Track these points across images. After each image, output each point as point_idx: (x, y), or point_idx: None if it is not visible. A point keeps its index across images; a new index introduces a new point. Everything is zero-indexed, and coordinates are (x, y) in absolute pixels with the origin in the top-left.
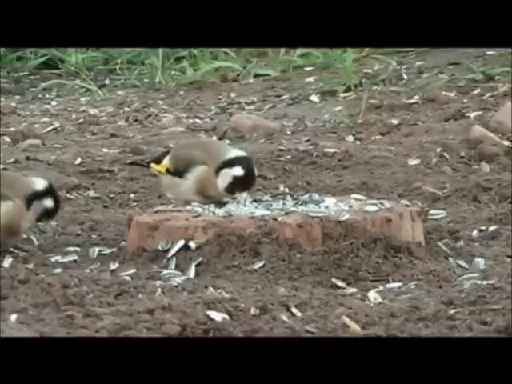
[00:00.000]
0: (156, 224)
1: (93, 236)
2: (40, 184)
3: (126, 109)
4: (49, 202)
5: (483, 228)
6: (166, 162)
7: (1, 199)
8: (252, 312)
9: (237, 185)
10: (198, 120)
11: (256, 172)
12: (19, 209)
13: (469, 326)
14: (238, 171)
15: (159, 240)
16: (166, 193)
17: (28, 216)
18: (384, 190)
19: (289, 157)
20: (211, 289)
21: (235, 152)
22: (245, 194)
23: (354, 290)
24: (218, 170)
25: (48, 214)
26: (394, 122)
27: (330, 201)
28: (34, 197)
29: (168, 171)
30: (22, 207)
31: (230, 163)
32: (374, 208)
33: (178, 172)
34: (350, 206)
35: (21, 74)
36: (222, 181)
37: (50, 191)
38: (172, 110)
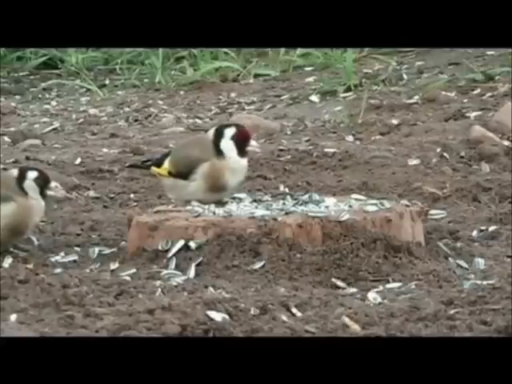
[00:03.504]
0: (156, 224)
1: (93, 236)
2: (14, 171)
3: (126, 109)
4: (32, 174)
5: (483, 228)
6: (166, 164)
7: (3, 201)
8: (252, 312)
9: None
10: (198, 120)
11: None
12: (20, 208)
13: (469, 326)
14: (232, 130)
15: (159, 240)
16: (169, 195)
17: (33, 203)
18: (384, 190)
19: (289, 157)
20: (211, 289)
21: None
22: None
23: (354, 290)
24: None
25: (42, 182)
26: (394, 122)
27: (330, 201)
28: (20, 181)
29: (170, 174)
30: (23, 205)
31: (222, 129)
32: (373, 208)
33: (182, 174)
34: (350, 206)
35: (21, 74)
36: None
37: (23, 168)
38: (172, 109)
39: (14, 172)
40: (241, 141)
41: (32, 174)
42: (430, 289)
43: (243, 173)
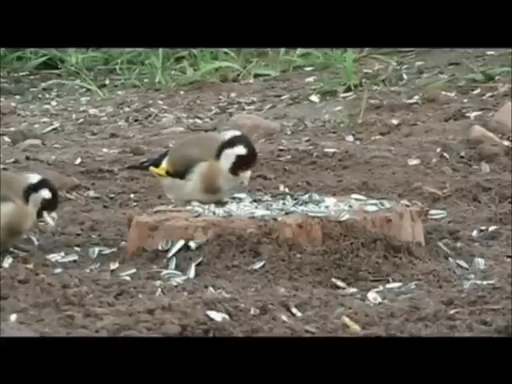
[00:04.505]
0: (156, 224)
1: (93, 236)
2: (34, 177)
3: (126, 109)
4: (46, 193)
5: (483, 228)
6: (164, 164)
7: (2, 200)
8: (252, 312)
9: (241, 163)
10: (198, 120)
11: (256, 149)
12: (19, 209)
13: (469, 326)
14: (241, 150)
15: (159, 240)
16: (167, 195)
17: (29, 212)
18: (384, 190)
19: (289, 157)
20: (211, 289)
21: (231, 133)
22: (249, 173)
23: (354, 290)
24: (218, 155)
25: (48, 206)
26: (394, 122)
27: (330, 201)
28: (30, 190)
29: (168, 173)
30: (22, 207)
31: (231, 143)
32: (373, 208)
33: (179, 173)
34: (350, 206)
35: (21, 74)
36: (226, 162)
37: (44, 183)
38: (172, 109)
39: (33, 178)
40: (242, 164)
41: (45, 194)
42: (430, 289)
43: (239, 182)
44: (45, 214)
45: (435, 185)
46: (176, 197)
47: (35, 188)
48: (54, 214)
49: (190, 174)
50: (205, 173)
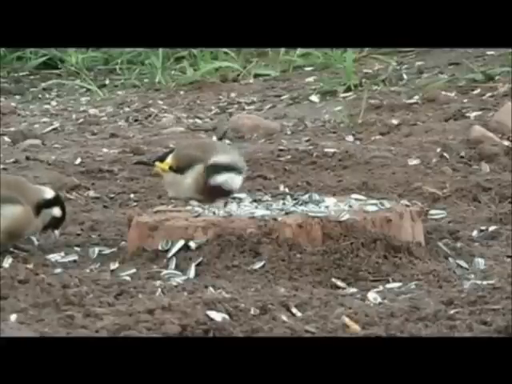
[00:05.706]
0: (156, 224)
1: (93, 236)
2: (49, 193)
3: (126, 109)
4: (57, 211)
5: (483, 228)
6: (169, 159)
7: (11, 202)
8: (252, 312)
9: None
10: (198, 120)
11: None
12: (27, 214)
13: (469, 326)
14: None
15: (159, 240)
16: (167, 190)
17: (35, 223)
18: (384, 190)
19: (289, 157)
20: (211, 289)
21: (224, 151)
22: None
23: (354, 290)
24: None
25: (55, 223)
26: (394, 122)
27: (330, 201)
28: (44, 205)
29: (171, 168)
30: (30, 213)
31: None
32: (373, 208)
33: (180, 169)
34: (350, 206)
35: (21, 74)
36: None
37: (58, 200)
38: (172, 109)
39: (48, 193)
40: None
41: (56, 212)
42: (430, 289)
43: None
44: (50, 231)
45: (435, 185)
46: (174, 193)
47: (49, 204)
48: (57, 231)
49: (188, 171)
50: (197, 175)
